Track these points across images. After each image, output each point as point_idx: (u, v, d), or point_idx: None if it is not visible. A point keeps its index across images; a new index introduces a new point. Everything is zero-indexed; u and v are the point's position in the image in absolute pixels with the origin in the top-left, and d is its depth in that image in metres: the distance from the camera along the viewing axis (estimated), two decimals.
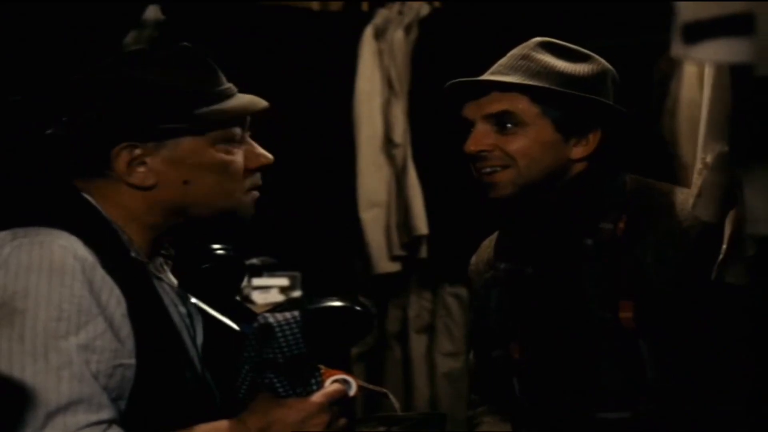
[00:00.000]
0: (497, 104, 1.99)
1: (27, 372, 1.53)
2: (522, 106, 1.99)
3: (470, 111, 2.02)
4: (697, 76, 3.33)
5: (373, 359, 4.30)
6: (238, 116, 1.74)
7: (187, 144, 1.70)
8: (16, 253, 1.60)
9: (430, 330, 4.20)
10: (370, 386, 1.98)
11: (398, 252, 4.12)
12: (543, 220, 2.05)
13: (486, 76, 2.03)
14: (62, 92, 1.71)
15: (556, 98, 1.98)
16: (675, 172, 3.51)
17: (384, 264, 4.13)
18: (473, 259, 2.25)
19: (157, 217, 1.73)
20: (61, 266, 1.58)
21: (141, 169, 1.69)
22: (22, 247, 1.60)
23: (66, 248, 1.60)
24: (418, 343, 4.21)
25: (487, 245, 2.22)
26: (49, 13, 2.91)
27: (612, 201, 2.02)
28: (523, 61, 2.01)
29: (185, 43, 1.75)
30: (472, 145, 2.00)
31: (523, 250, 2.10)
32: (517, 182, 1.99)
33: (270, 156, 1.78)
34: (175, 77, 1.70)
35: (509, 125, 1.99)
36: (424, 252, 4.07)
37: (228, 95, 1.74)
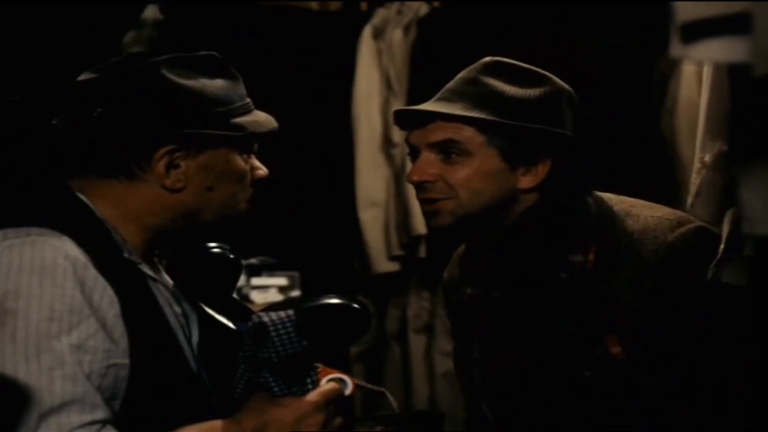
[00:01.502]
0: (441, 132, 1.94)
1: (19, 373, 1.53)
2: (466, 134, 1.93)
3: (415, 138, 1.97)
4: (696, 76, 3.34)
5: (372, 359, 4.30)
6: (270, 130, 1.78)
7: (221, 152, 1.74)
8: (8, 254, 1.60)
9: (429, 330, 4.20)
10: (368, 385, 1.98)
11: (397, 252, 4.12)
12: (503, 250, 2.00)
13: (431, 103, 1.97)
14: (85, 89, 1.71)
15: (503, 127, 1.92)
16: (675, 171, 3.51)
17: (383, 264, 4.13)
18: (445, 275, 2.21)
19: (165, 219, 1.74)
20: (53, 266, 1.58)
21: (176, 172, 1.71)
22: (14, 248, 1.60)
23: (57, 248, 1.60)
24: (417, 343, 4.21)
25: (456, 261, 2.18)
26: (48, 13, 2.91)
27: (577, 230, 1.95)
28: (470, 87, 1.95)
29: (212, 52, 1.77)
30: (414, 175, 1.95)
31: (488, 275, 2.04)
32: (457, 213, 1.94)
33: (266, 170, 1.82)
34: (216, 85, 1.73)
35: (454, 155, 1.93)
36: (422, 252, 4.07)
37: (252, 107, 1.79)
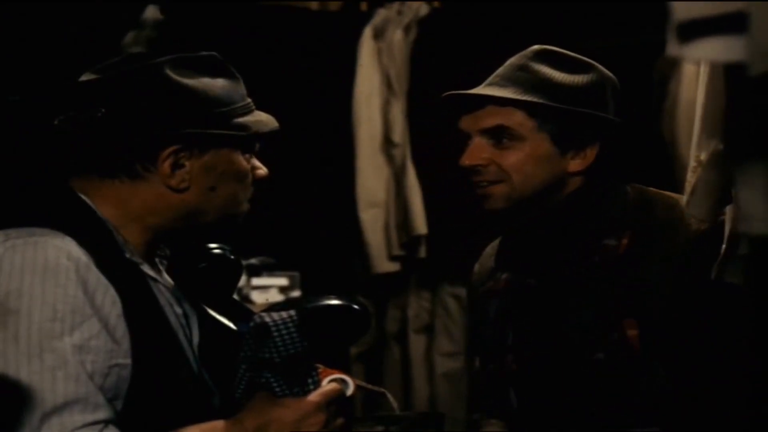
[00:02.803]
0: (492, 118, 1.98)
1: (22, 373, 1.54)
2: (518, 120, 1.97)
3: (466, 124, 2.01)
4: (697, 77, 3.33)
5: (372, 359, 4.30)
6: (271, 130, 1.79)
7: (224, 152, 1.75)
8: (10, 254, 1.60)
9: (429, 330, 4.20)
10: (368, 386, 1.98)
11: (397, 252, 4.12)
12: (544, 233, 2.04)
13: (482, 88, 2.01)
14: (88, 89, 1.71)
15: (553, 112, 1.97)
16: (674, 172, 3.51)
17: (383, 264, 4.13)
18: (476, 267, 2.23)
19: (167, 219, 1.74)
20: (55, 266, 1.59)
21: (181, 171, 1.72)
22: (16, 248, 1.60)
23: (60, 248, 1.60)
24: (417, 343, 4.21)
25: (490, 253, 2.20)
26: (48, 13, 2.91)
27: (614, 216, 2.00)
28: (521, 72, 1.99)
29: (213, 53, 1.78)
30: (467, 159, 1.99)
31: (525, 260, 2.08)
32: (511, 197, 1.98)
33: (266, 170, 1.82)
34: (218, 85, 1.74)
35: (505, 139, 1.97)
36: (423, 252, 4.07)
37: (253, 107, 1.79)
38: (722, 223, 1.88)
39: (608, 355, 1.95)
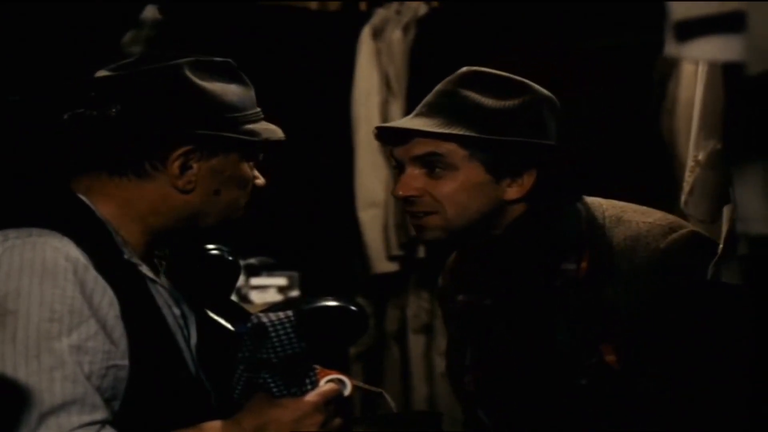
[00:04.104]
0: (422, 146, 1.92)
1: (20, 373, 1.54)
2: (449, 148, 1.90)
3: (399, 153, 1.95)
4: (695, 76, 3.33)
5: (371, 359, 4.30)
6: (278, 139, 1.80)
7: (232, 157, 1.75)
8: (8, 255, 1.60)
9: (428, 330, 4.20)
10: (366, 386, 1.98)
11: (396, 252, 4.12)
12: (492, 261, 1.99)
13: (409, 119, 1.96)
14: (102, 86, 1.72)
15: (484, 141, 1.90)
16: (673, 171, 3.51)
17: (382, 264, 4.13)
18: (440, 281, 2.20)
19: (168, 220, 1.74)
20: (53, 267, 1.59)
21: (189, 173, 1.72)
22: (14, 249, 1.61)
23: (58, 249, 1.61)
24: (416, 343, 4.21)
25: (450, 268, 2.17)
26: (48, 13, 2.91)
27: (569, 239, 1.94)
28: (448, 99, 1.93)
29: (228, 59, 1.79)
30: (400, 190, 1.94)
31: (480, 284, 2.04)
32: (444, 227, 1.93)
33: (264, 180, 1.83)
34: (232, 90, 1.75)
35: (438, 169, 1.91)
36: (422, 252, 4.07)
37: (262, 116, 1.80)
38: (687, 233, 1.87)
39: (590, 380, 1.92)
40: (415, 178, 1.93)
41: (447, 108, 1.92)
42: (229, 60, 1.79)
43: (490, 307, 2.01)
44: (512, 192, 1.93)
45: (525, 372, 1.98)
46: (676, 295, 1.88)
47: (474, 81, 1.94)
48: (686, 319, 1.89)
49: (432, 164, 1.92)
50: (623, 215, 1.96)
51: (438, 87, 1.97)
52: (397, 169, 1.99)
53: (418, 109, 1.97)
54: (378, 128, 1.99)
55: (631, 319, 1.89)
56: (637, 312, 1.89)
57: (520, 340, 1.98)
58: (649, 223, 1.94)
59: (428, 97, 1.97)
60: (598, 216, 1.97)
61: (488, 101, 1.92)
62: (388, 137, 1.98)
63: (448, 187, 1.91)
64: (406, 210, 1.98)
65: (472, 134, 1.89)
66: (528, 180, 1.92)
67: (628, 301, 1.90)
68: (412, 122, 1.94)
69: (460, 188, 1.91)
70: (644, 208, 2.00)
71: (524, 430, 2.01)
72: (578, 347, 1.92)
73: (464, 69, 1.98)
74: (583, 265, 1.93)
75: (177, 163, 1.71)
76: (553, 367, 1.95)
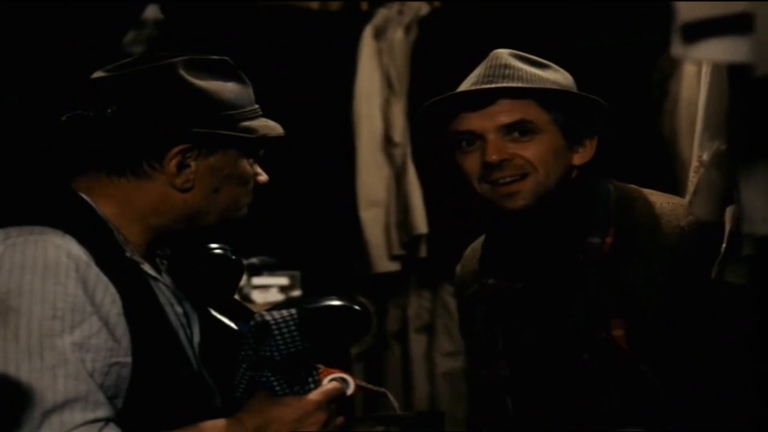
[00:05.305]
0: (511, 113, 1.93)
1: (22, 371, 1.54)
2: (535, 113, 1.94)
3: (477, 123, 1.94)
4: (697, 77, 3.33)
5: (372, 358, 4.30)
6: (278, 136, 1.80)
7: (230, 154, 1.75)
8: (10, 252, 1.60)
9: (429, 329, 4.20)
10: (369, 385, 1.98)
11: (398, 251, 4.12)
12: (532, 231, 2.00)
13: (486, 85, 1.95)
14: (99, 87, 1.72)
15: (562, 104, 1.94)
16: (675, 171, 3.52)
17: (383, 263, 4.13)
18: (458, 270, 2.20)
19: (168, 219, 1.74)
20: (56, 265, 1.59)
21: (186, 171, 1.72)
22: (16, 246, 1.61)
23: (60, 247, 1.61)
24: (417, 343, 4.21)
25: (471, 255, 2.16)
26: (48, 13, 2.91)
27: (599, 214, 1.98)
28: (509, 70, 1.95)
29: (225, 57, 1.79)
30: (494, 155, 1.92)
31: (511, 263, 2.05)
32: (538, 192, 1.93)
33: (267, 177, 1.83)
34: (229, 88, 1.75)
35: (524, 134, 1.93)
36: (423, 251, 4.06)
37: (261, 113, 1.80)
38: (703, 221, 1.88)
39: (595, 355, 1.94)
40: (503, 144, 1.94)
41: (512, 77, 1.95)
42: (226, 58, 1.79)
43: (520, 290, 2.02)
44: (578, 158, 1.99)
45: (549, 352, 1.99)
46: (692, 278, 1.90)
47: (519, 57, 1.99)
48: (699, 304, 1.91)
49: (521, 130, 1.94)
50: (649, 197, 2.01)
51: (488, 63, 1.98)
52: (464, 142, 1.97)
53: (480, 79, 1.96)
54: (456, 94, 1.96)
55: (646, 298, 1.92)
56: (654, 293, 1.92)
57: (546, 318, 1.99)
58: (673, 203, 1.99)
59: (483, 71, 1.97)
60: (627, 194, 2.02)
61: (541, 72, 1.97)
62: (455, 105, 1.95)
63: (538, 150, 1.94)
64: (490, 180, 1.95)
65: (566, 89, 1.95)
66: (591, 147, 1.99)
67: (647, 280, 1.93)
68: (503, 84, 1.94)
69: (547, 151, 1.95)
70: (668, 194, 2.05)
71: (548, 413, 2.01)
72: (592, 322, 1.94)
73: (502, 50, 2.00)
74: (608, 239, 1.96)
75: (174, 162, 1.71)
76: (568, 344, 1.96)
